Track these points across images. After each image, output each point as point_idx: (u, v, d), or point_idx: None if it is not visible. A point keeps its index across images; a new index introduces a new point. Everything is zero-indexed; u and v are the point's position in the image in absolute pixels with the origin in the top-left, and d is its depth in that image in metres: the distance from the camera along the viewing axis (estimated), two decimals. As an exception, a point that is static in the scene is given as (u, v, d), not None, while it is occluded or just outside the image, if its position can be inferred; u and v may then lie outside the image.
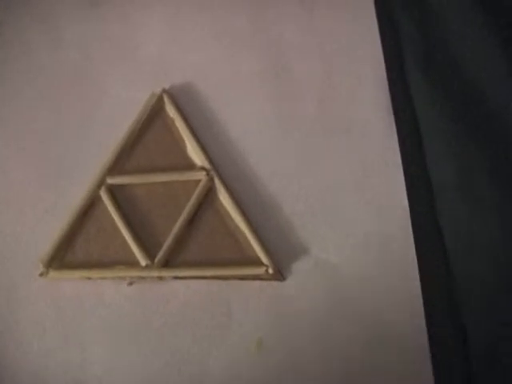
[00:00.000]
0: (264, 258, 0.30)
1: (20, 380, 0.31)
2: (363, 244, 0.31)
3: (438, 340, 0.29)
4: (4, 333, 0.32)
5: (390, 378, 0.29)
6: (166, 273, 0.31)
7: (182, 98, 0.34)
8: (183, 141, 0.33)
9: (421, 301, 0.30)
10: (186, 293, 0.31)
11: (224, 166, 0.33)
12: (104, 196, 0.32)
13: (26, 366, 0.31)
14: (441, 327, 0.30)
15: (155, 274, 0.31)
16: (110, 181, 0.33)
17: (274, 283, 0.31)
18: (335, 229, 0.31)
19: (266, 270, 0.30)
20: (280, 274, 0.31)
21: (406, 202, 0.31)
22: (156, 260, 0.31)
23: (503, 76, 0.34)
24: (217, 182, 0.32)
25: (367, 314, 0.30)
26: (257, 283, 0.31)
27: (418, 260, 0.30)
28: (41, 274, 0.32)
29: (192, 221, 0.32)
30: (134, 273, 0.31)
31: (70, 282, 0.32)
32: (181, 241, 0.31)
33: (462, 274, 0.30)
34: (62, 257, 0.32)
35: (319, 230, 0.31)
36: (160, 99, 0.34)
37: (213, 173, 0.32)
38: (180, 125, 0.33)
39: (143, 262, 0.31)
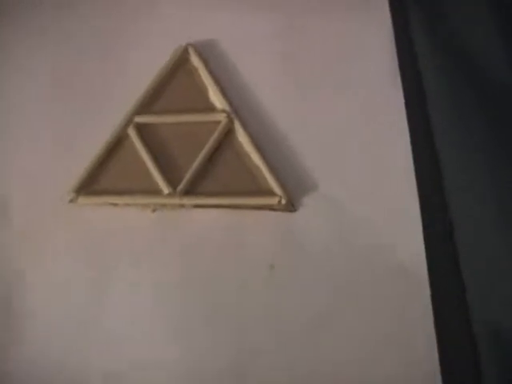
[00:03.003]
0: (277, 190, 0.33)
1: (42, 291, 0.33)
2: (368, 183, 0.33)
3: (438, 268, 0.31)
4: (37, 254, 0.34)
5: (391, 304, 0.31)
6: (186, 201, 0.34)
7: (205, 52, 0.38)
8: (206, 87, 0.36)
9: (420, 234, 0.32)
10: (204, 220, 0.34)
11: (242, 110, 0.36)
12: (132, 133, 0.35)
13: (53, 279, 0.33)
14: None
15: (177, 201, 0.34)
16: (137, 120, 0.35)
17: (286, 214, 0.33)
18: (342, 168, 0.34)
19: (279, 201, 0.33)
20: (291, 205, 0.33)
21: (408, 146, 0.34)
22: (178, 189, 0.34)
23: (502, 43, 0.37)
24: (236, 123, 0.35)
25: (370, 247, 0.32)
26: (270, 213, 0.33)
27: (420, 198, 0.33)
28: (71, 201, 0.34)
29: (212, 157, 0.34)
30: (158, 200, 0.34)
31: (98, 209, 0.34)
32: (201, 174, 0.34)
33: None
34: (90, 185, 0.35)
35: (328, 169, 0.34)
36: (185, 51, 0.37)
37: (232, 115, 0.35)
38: (203, 73, 0.36)
39: (166, 190, 0.34)
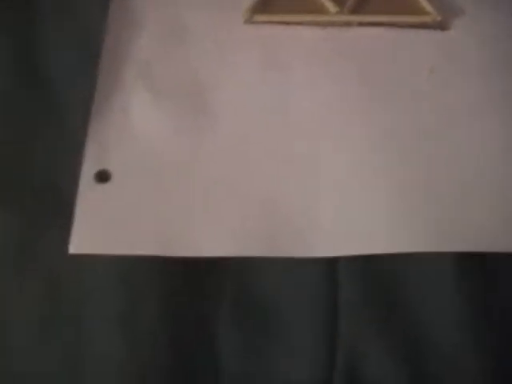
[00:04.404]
0: (431, 10, 0.38)
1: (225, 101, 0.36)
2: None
3: None
4: (219, 67, 0.37)
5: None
6: (353, 18, 0.38)
7: None
8: None
9: None
10: (368, 37, 0.38)
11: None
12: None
13: (234, 90, 0.37)
14: None
15: (344, 19, 0.38)
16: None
17: (439, 32, 0.38)
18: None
19: (434, 18, 0.38)
20: (444, 24, 0.38)
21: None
22: (345, 7, 0.38)
23: None
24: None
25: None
26: (425, 31, 0.38)
27: None
28: (246, 21, 0.38)
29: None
30: (327, 18, 0.38)
31: (271, 27, 0.38)
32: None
33: None
34: (264, 6, 0.38)
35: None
36: None
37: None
38: None
39: (334, 9, 0.38)
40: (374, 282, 0.32)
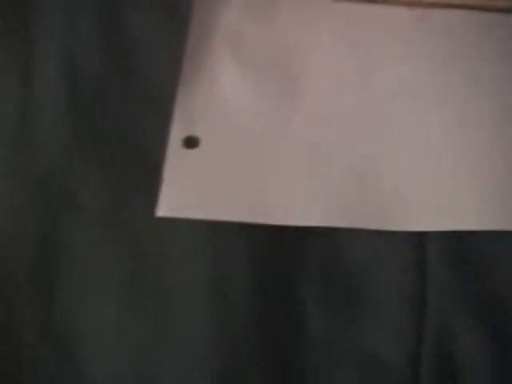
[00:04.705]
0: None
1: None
2: None
3: None
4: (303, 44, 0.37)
5: None
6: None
7: None
8: None
9: None
10: (453, 19, 0.38)
11: None
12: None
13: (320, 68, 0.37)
14: None
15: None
16: None
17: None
18: None
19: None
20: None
21: None
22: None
23: None
24: None
25: None
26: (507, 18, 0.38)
27: None
28: (332, -2, 0.38)
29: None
30: None
31: (358, 6, 0.38)
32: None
33: None
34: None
35: None
36: None
37: None
38: None
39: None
40: (462, 258, 0.31)
